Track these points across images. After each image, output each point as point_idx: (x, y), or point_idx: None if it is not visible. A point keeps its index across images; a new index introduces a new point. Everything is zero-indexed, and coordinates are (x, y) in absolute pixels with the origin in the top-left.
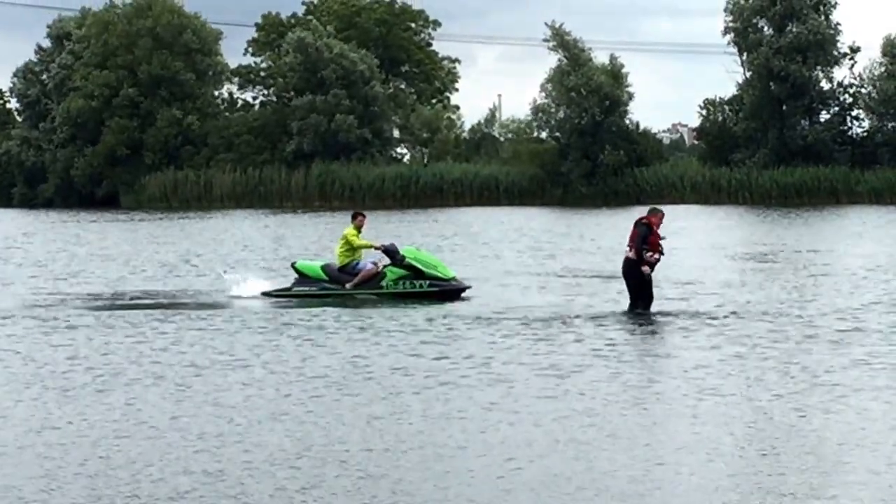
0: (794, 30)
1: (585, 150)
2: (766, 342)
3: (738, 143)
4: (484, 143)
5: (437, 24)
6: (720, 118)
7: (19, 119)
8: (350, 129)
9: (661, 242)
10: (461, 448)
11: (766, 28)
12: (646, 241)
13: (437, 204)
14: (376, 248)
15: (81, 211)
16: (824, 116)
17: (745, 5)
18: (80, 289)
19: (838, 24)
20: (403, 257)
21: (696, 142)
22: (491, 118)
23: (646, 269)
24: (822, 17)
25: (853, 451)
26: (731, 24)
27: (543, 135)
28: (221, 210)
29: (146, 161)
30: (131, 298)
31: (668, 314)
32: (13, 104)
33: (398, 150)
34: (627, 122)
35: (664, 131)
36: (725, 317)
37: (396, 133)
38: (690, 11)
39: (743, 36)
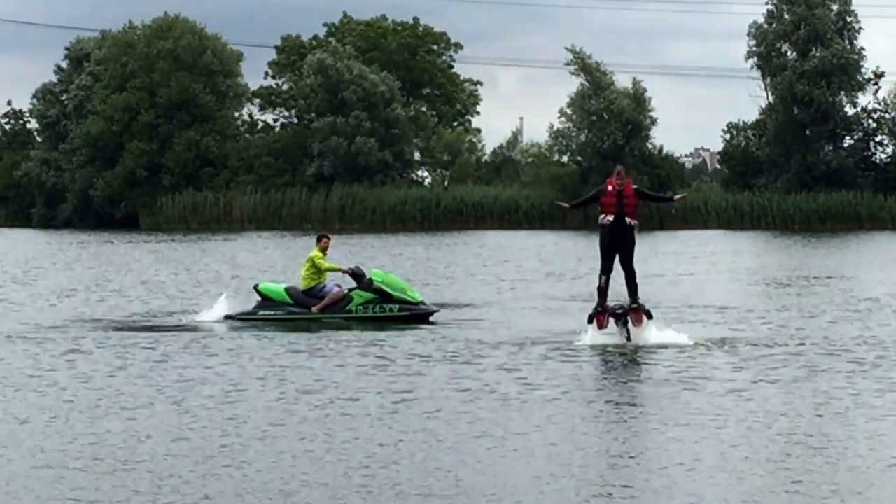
0: (818, 55)
1: (607, 174)
2: (799, 367)
3: (761, 167)
4: (505, 166)
5: (458, 46)
6: (743, 143)
7: (39, 140)
8: (371, 152)
9: (631, 205)
10: (520, 473)
11: (789, 53)
12: (595, 200)
13: (458, 227)
14: (343, 272)
15: (101, 232)
16: (848, 142)
17: (769, 29)
18: (98, 310)
19: (862, 49)
20: (371, 280)
21: (718, 166)
22: (513, 141)
23: (563, 204)
24: (847, 43)
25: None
26: (754, 49)
27: (565, 158)
28: (241, 232)
29: (165, 183)
30: (135, 320)
31: (699, 339)
32: (33, 124)
33: (419, 172)
34: (650, 146)
35: (686, 155)
36: (759, 342)
37: (417, 156)
38: (714, 35)
39: (766, 60)
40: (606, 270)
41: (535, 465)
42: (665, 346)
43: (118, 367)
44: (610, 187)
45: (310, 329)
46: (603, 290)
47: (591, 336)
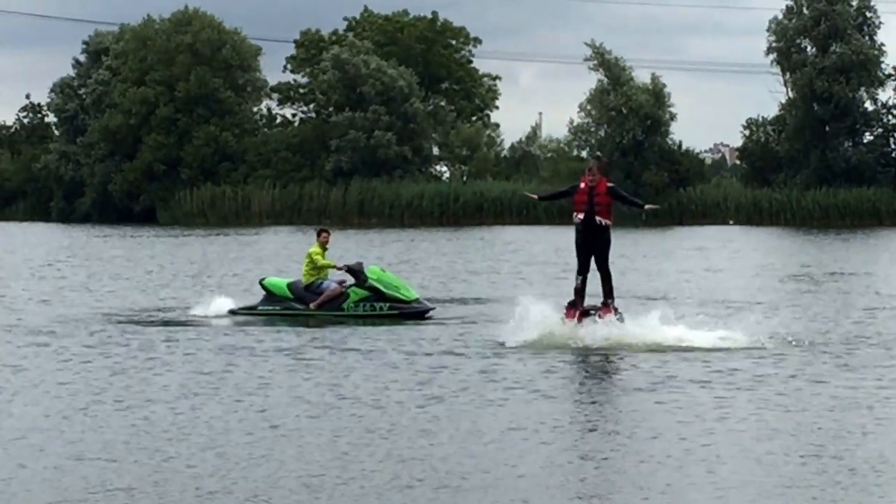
0: (838, 50)
1: (627, 169)
2: (826, 364)
3: (780, 163)
4: (524, 162)
5: (477, 41)
6: (763, 138)
7: (57, 133)
8: (389, 146)
9: (602, 204)
10: (550, 467)
11: (809, 48)
12: (567, 195)
13: (477, 222)
14: (339, 269)
15: (119, 226)
16: (867, 138)
17: (789, 25)
18: (114, 304)
19: (882, 44)
20: (367, 278)
21: (737, 162)
22: (532, 136)
23: (531, 195)
24: (866, 38)
25: None
26: (774, 44)
27: (584, 154)
28: (260, 227)
29: (183, 177)
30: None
31: (723, 337)
32: (51, 118)
33: (438, 167)
34: (670, 141)
35: (706, 151)
36: (785, 339)
37: (436, 150)
38: (733, 31)
39: (786, 56)
40: (581, 270)
41: (564, 459)
42: (687, 344)
43: (142, 360)
44: (583, 184)
45: (308, 324)
46: (579, 291)
47: (519, 330)
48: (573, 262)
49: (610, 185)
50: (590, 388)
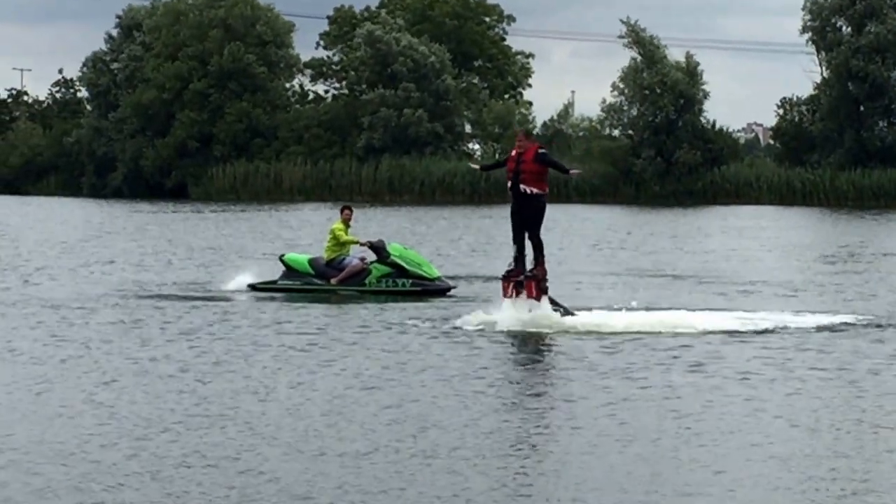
0: (874, 30)
1: (659, 148)
2: (870, 341)
3: (814, 143)
4: (556, 140)
5: (511, 18)
6: (797, 118)
7: (89, 108)
8: (421, 124)
9: (528, 171)
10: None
11: (844, 28)
12: (499, 166)
13: (508, 200)
14: (361, 244)
15: (151, 202)
16: None
17: (824, 4)
18: (141, 279)
19: None
20: (388, 254)
21: (771, 142)
22: (564, 114)
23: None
24: None
25: None
26: (809, 23)
27: (616, 132)
28: (291, 203)
29: (215, 153)
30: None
31: (755, 318)
32: (83, 93)
33: (470, 145)
34: (703, 120)
35: (739, 130)
36: (821, 319)
37: (468, 128)
38: (768, 9)
39: (821, 35)
40: (515, 240)
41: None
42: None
43: (176, 334)
44: (513, 153)
45: (328, 300)
46: (517, 260)
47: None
48: (600, 239)
49: (540, 151)
50: (631, 375)
